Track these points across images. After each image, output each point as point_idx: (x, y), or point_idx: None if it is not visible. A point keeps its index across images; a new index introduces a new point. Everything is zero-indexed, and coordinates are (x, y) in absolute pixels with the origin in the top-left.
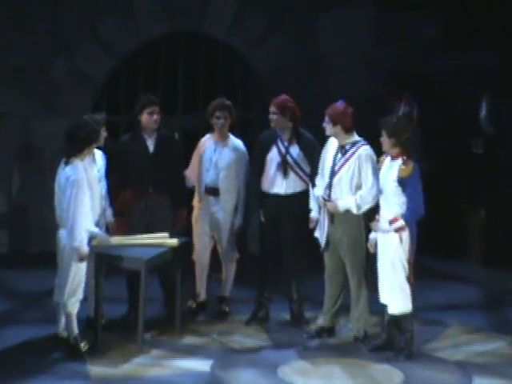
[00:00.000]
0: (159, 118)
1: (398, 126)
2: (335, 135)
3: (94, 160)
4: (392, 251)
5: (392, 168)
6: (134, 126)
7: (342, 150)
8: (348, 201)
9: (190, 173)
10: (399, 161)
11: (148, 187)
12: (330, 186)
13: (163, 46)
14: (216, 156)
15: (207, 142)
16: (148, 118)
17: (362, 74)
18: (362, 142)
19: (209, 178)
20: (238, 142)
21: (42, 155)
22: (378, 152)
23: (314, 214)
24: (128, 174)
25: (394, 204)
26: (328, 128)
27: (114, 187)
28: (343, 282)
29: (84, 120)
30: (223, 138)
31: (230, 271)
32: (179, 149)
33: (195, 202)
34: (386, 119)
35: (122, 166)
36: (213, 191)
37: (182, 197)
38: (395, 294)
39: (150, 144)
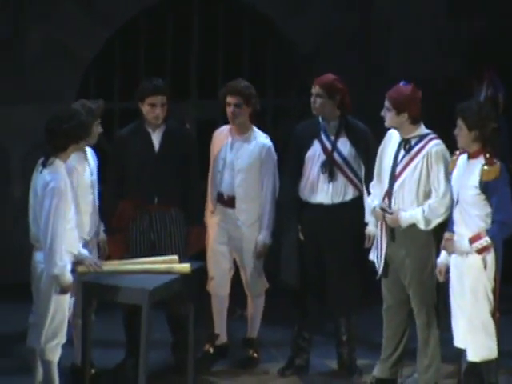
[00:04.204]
0: (163, 112)
1: (481, 114)
2: (398, 127)
3: (86, 159)
4: (473, 279)
5: (471, 170)
6: (134, 115)
7: (406, 145)
8: (413, 213)
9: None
10: (480, 160)
11: (153, 196)
12: (389, 193)
13: (171, 11)
14: (232, 154)
15: (222, 135)
16: (149, 111)
17: (432, 48)
18: (432, 136)
19: (223, 183)
20: (261, 136)
21: (9, 153)
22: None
23: (370, 229)
24: (127, 180)
25: (474, 217)
26: (389, 117)
27: (107, 196)
28: (407, 320)
29: (71, 109)
30: (241, 132)
31: (257, 306)
32: (194, 146)
33: (208, 216)
34: (465, 106)
35: (118, 168)
36: (228, 201)
37: (198, 209)
38: (477, 334)
39: (156, 140)
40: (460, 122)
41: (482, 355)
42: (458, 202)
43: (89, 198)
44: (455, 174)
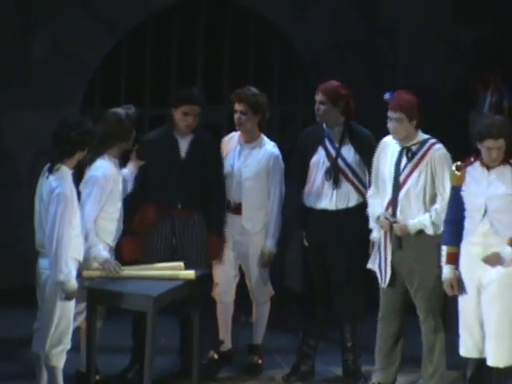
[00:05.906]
0: (195, 121)
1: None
2: (407, 135)
3: (118, 166)
4: (506, 282)
5: (498, 179)
6: (164, 120)
7: (408, 153)
8: (421, 219)
9: None
10: (506, 167)
11: (176, 202)
12: (394, 203)
13: (177, 17)
14: (240, 162)
15: (231, 141)
16: (181, 119)
17: (438, 52)
18: (433, 141)
19: (230, 190)
20: (269, 145)
21: (15, 158)
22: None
23: (375, 236)
24: (151, 184)
25: (510, 224)
26: (403, 128)
27: (129, 200)
28: (399, 332)
29: (79, 116)
30: (249, 139)
31: (262, 312)
32: (220, 154)
33: None
34: (491, 123)
35: (143, 172)
36: (235, 208)
37: (221, 217)
38: (503, 339)
39: (183, 147)
40: (494, 141)
41: (505, 360)
42: (486, 213)
43: (119, 205)
44: (472, 186)
